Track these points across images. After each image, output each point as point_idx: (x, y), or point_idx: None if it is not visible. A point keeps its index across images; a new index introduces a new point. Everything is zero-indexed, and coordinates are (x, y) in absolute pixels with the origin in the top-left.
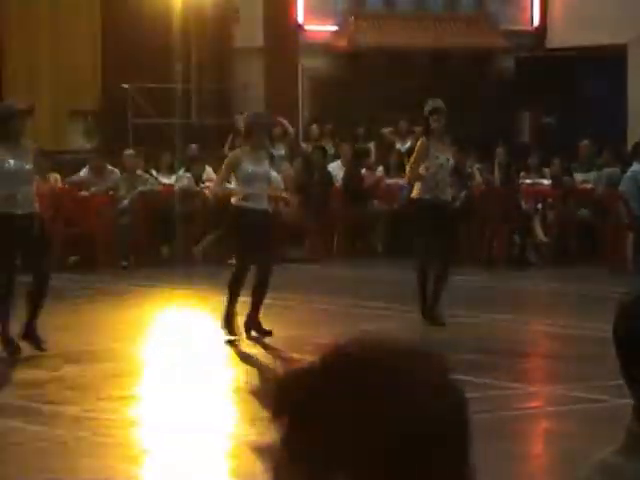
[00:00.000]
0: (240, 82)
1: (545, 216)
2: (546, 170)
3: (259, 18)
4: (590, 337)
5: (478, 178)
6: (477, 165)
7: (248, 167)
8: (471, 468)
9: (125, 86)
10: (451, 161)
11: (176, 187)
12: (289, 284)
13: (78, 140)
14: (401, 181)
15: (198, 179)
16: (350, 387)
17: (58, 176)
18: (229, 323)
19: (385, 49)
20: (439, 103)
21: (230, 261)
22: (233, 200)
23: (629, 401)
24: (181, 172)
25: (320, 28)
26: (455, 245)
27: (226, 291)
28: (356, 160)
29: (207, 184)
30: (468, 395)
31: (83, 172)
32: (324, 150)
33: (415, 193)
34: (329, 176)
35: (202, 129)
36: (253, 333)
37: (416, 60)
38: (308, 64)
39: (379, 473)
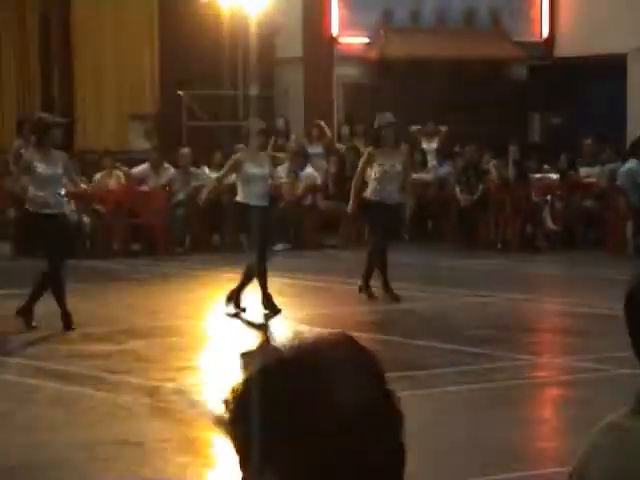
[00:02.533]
0: (281, 88)
1: (553, 207)
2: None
3: (298, 31)
4: (593, 314)
5: (494, 173)
6: (493, 162)
7: (249, 169)
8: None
9: (180, 93)
10: (397, 167)
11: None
12: (326, 268)
13: (139, 141)
14: (425, 176)
15: None
16: (285, 393)
17: (121, 173)
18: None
19: (411, 59)
20: (390, 118)
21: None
22: (238, 198)
23: (630, 371)
24: None
25: (353, 40)
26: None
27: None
28: None
29: None
30: (486, 366)
31: (143, 167)
32: (357, 149)
33: (366, 194)
34: None
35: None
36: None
37: (439, 68)
38: (342, 72)
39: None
